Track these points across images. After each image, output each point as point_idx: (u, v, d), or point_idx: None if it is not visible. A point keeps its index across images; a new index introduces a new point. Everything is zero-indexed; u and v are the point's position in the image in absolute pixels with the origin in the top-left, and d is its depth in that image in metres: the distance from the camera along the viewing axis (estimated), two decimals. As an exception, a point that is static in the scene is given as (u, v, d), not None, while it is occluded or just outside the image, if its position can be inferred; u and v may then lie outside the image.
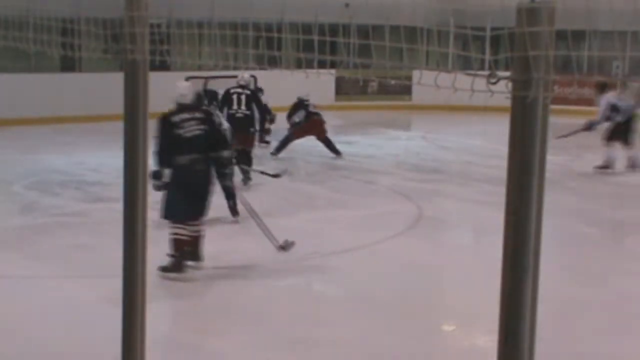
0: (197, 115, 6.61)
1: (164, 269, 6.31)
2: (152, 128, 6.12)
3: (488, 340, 3.22)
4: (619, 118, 11.55)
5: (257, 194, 10.14)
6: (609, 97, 11.57)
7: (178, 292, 6.28)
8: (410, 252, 7.48)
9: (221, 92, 11.63)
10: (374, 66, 2.28)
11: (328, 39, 2.49)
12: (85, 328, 5.33)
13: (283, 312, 5.85)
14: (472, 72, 1.86)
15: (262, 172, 10.48)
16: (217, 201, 7.76)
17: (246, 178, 10.29)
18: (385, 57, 2.13)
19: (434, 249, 7.77)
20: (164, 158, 6.34)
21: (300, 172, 12.39)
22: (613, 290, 6.48)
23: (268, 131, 13.77)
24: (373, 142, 15.22)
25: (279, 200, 9.72)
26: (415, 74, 2.19)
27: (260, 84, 14.03)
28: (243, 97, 10.85)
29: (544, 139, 1.81)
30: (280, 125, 13.37)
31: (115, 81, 3.64)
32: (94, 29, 3.03)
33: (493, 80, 1.78)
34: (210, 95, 11.76)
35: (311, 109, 12.96)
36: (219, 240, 7.33)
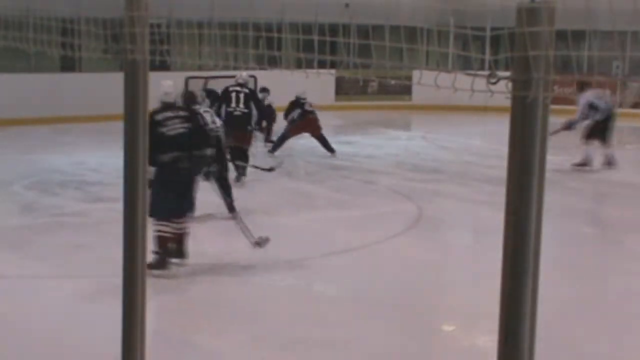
0: (181, 113, 6.70)
1: (148, 266, 6.32)
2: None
3: (488, 340, 3.22)
4: (598, 117, 11.73)
5: (257, 193, 10.15)
6: (588, 96, 11.73)
7: (177, 292, 6.28)
8: (410, 252, 7.48)
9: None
10: (374, 66, 2.28)
11: (328, 39, 2.49)
12: (85, 328, 5.33)
13: (282, 312, 5.85)
14: (472, 72, 1.86)
15: (256, 167, 10.56)
16: (214, 199, 7.78)
17: (240, 175, 10.34)
18: (385, 57, 2.13)
19: (434, 249, 7.78)
20: (149, 156, 6.36)
21: (300, 172, 12.39)
22: (613, 290, 6.49)
23: (270, 131, 13.88)
24: (373, 142, 15.22)
25: (278, 200, 9.73)
26: (415, 74, 2.19)
27: (263, 84, 14.07)
28: (242, 96, 10.90)
29: (544, 139, 1.81)
30: (281, 125, 13.44)
31: (115, 81, 3.64)
32: (94, 29, 3.03)
33: (493, 80, 1.78)
34: (213, 95, 11.76)
35: (307, 107, 13.15)
36: (218, 238, 7.34)
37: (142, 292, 2.82)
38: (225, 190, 8.62)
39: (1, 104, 15.65)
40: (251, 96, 11.11)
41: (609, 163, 11.87)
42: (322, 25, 2.47)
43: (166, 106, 6.64)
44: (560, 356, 4.83)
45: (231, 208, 8.58)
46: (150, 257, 6.32)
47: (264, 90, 13.90)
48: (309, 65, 2.35)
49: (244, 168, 10.61)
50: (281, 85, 13.22)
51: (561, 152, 12.18)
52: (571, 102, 16.90)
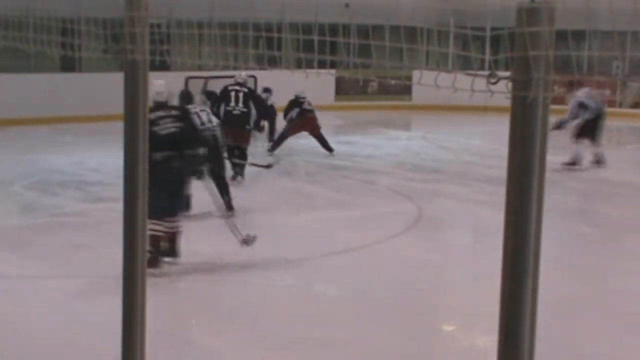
0: (173, 113, 6.74)
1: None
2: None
3: (488, 340, 3.22)
4: (587, 116, 11.83)
5: (257, 193, 10.16)
6: (578, 95, 11.78)
7: (177, 292, 6.28)
8: (410, 252, 7.48)
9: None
10: (374, 66, 2.28)
11: (328, 39, 2.49)
12: (85, 328, 5.33)
13: (282, 312, 5.85)
14: (472, 72, 1.86)
15: (253, 164, 10.61)
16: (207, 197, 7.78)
17: (236, 174, 10.39)
18: (385, 57, 2.13)
19: (434, 249, 7.78)
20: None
21: (300, 172, 12.40)
22: (613, 290, 6.48)
23: (273, 130, 13.97)
24: (373, 142, 15.22)
25: (278, 200, 9.73)
26: (415, 74, 2.19)
27: (265, 84, 14.11)
28: (241, 95, 10.93)
29: (544, 139, 1.81)
30: (282, 125, 13.48)
31: (115, 81, 3.64)
32: (94, 29, 3.03)
33: (493, 80, 1.78)
34: (213, 97, 11.78)
35: (305, 106, 13.22)
36: (216, 238, 7.33)
37: (142, 292, 2.82)
38: (223, 189, 8.68)
39: (1, 104, 15.66)
40: (250, 95, 11.14)
41: (598, 162, 12.00)
42: (322, 25, 2.47)
43: (158, 105, 6.66)
44: (560, 356, 4.83)
45: (229, 206, 8.63)
46: None
47: (267, 90, 13.97)
48: (309, 65, 2.35)
49: (242, 168, 10.65)
50: (281, 85, 13.30)
51: (561, 152, 12.18)
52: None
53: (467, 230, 8.96)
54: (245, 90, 11.10)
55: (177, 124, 6.62)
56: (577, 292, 6.30)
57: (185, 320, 5.85)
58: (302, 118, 13.13)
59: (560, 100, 13.45)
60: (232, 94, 10.94)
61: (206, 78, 14.71)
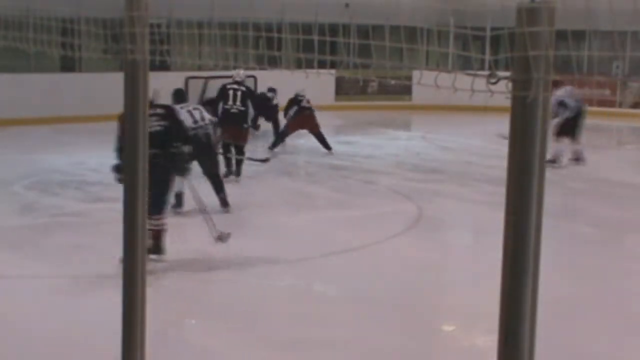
0: (159, 111, 6.78)
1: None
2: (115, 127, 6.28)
3: (488, 340, 3.22)
4: (568, 114, 11.99)
5: (257, 193, 10.16)
6: (558, 94, 11.89)
7: (175, 292, 6.28)
8: (410, 252, 7.48)
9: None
10: (374, 66, 2.28)
11: (328, 39, 2.50)
12: (85, 328, 5.33)
13: (282, 312, 5.85)
14: (472, 72, 1.86)
15: (250, 158, 10.67)
16: (208, 195, 7.78)
17: (229, 172, 10.45)
18: (385, 57, 2.13)
19: (434, 249, 7.77)
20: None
21: (300, 172, 12.40)
22: (613, 290, 6.48)
23: (278, 129, 14.05)
24: (373, 142, 15.22)
25: (278, 200, 9.74)
26: (415, 74, 2.19)
27: (269, 84, 14.13)
28: (239, 93, 11.03)
29: (544, 139, 1.81)
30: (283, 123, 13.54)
31: (115, 81, 3.64)
32: (94, 29, 3.03)
33: (493, 80, 1.78)
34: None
35: (304, 103, 13.35)
36: (212, 237, 7.31)
37: (142, 292, 2.82)
38: (218, 186, 8.75)
39: (1, 104, 15.65)
40: (248, 94, 11.23)
41: (578, 159, 12.19)
42: (322, 25, 2.47)
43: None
44: (560, 356, 4.83)
45: (224, 203, 8.71)
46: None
47: (272, 90, 14.03)
48: (309, 65, 2.35)
49: (240, 166, 10.73)
50: (281, 85, 13.34)
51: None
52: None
53: (467, 230, 8.96)
54: (243, 89, 11.18)
55: (162, 123, 6.66)
56: (577, 292, 6.30)
57: (185, 321, 5.85)
58: (300, 115, 13.27)
59: (589, 102, 13.57)
60: (230, 92, 11.04)
61: (206, 78, 14.72)
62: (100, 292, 5.90)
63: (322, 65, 2.58)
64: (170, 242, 6.87)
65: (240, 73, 11.20)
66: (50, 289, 6.20)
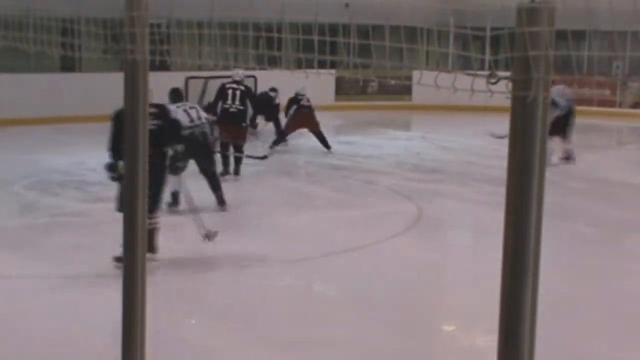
0: (151, 110, 6.77)
1: (117, 259, 6.43)
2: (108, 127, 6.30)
3: (488, 340, 3.22)
4: (558, 113, 12.00)
5: (257, 193, 10.16)
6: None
7: (174, 291, 6.28)
8: (410, 252, 7.48)
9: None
10: (374, 66, 2.28)
11: (328, 39, 2.50)
12: (85, 328, 5.33)
13: (282, 312, 5.85)
14: (472, 72, 1.86)
15: (249, 156, 10.71)
16: (204, 194, 7.79)
17: (225, 172, 10.50)
18: (385, 57, 2.13)
19: (434, 249, 7.77)
20: (118, 152, 6.49)
21: (300, 172, 12.40)
22: (613, 290, 6.48)
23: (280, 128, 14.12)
24: (373, 142, 15.22)
25: (278, 200, 9.74)
26: (415, 74, 2.19)
27: (272, 84, 14.15)
28: (238, 93, 11.10)
29: (544, 139, 1.81)
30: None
31: (115, 81, 3.64)
32: (94, 29, 3.03)
33: (493, 80, 1.78)
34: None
35: (303, 102, 13.43)
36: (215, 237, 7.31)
37: (142, 292, 2.82)
38: (214, 184, 8.80)
39: (1, 104, 15.65)
40: (247, 93, 11.29)
41: (568, 158, 12.24)
42: (322, 25, 2.47)
43: None
44: (560, 356, 4.83)
45: (221, 201, 8.75)
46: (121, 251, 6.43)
47: (273, 90, 14.07)
48: (309, 65, 2.35)
49: (239, 164, 10.78)
50: (282, 85, 13.36)
51: (561, 152, 12.20)
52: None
53: (467, 230, 8.96)
54: (242, 88, 11.25)
55: (155, 122, 6.68)
56: (577, 292, 6.30)
57: (185, 321, 5.84)
58: (299, 114, 13.36)
59: (589, 102, 13.55)
60: (229, 92, 11.12)
61: (206, 78, 14.72)
62: (100, 292, 5.90)
63: (322, 65, 2.58)
64: (170, 241, 6.87)
65: (239, 73, 11.24)
66: (50, 289, 6.20)
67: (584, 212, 9.32)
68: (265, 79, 14.48)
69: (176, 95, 8.99)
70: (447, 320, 5.98)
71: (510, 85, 1.78)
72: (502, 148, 1.97)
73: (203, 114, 8.93)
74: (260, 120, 13.46)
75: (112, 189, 6.73)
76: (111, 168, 6.52)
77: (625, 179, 11.36)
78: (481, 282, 5.22)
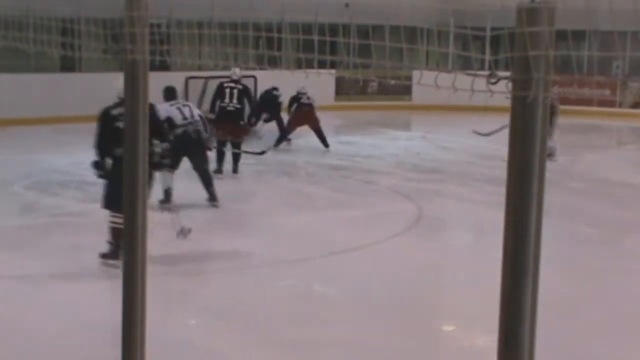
0: None
1: (103, 256, 6.58)
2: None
3: (488, 340, 3.22)
4: None
5: (257, 193, 10.16)
6: None
7: (174, 291, 6.28)
8: (410, 252, 7.48)
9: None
10: (374, 66, 2.28)
11: (328, 39, 2.50)
12: (85, 328, 5.33)
13: (282, 312, 5.85)
14: (472, 72, 1.86)
15: (247, 152, 10.74)
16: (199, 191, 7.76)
17: (219, 170, 10.55)
18: (385, 57, 2.13)
19: (434, 249, 7.77)
20: (104, 149, 6.56)
21: (300, 172, 12.40)
22: (613, 290, 6.48)
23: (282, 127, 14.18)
24: (373, 142, 15.22)
25: (278, 200, 9.73)
26: (415, 74, 2.19)
27: (268, 85, 14.17)
28: (235, 92, 11.22)
29: (544, 139, 1.81)
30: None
31: (115, 81, 3.65)
32: (94, 29, 3.03)
33: (493, 80, 1.78)
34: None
35: (304, 100, 13.53)
36: (212, 237, 7.32)
37: (143, 292, 2.82)
38: (207, 180, 8.85)
39: (1, 104, 15.64)
40: (244, 92, 11.35)
41: (549, 155, 12.19)
42: (322, 25, 2.47)
43: (122, 101, 6.72)
44: (560, 356, 4.83)
45: (213, 197, 8.81)
46: (105, 248, 6.58)
47: (276, 89, 14.11)
48: (309, 65, 2.35)
49: (237, 163, 10.83)
50: (282, 85, 13.37)
51: (561, 152, 12.20)
52: (571, 102, 16.89)
53: (467, 230, 8.96)
54: (240, 87, 11.34)
55: None
56: (577, 292, 6.30)
57: (185, 321, 5.84)
58: (299, 112, 13.47)
59: (589, 102, 13.53)
60: (227, 90, 11.23)
61: (206, 78, 14.72)
62: (100, 292, 5.90)
63: (322, 65, 2.58)
64: (169, 241, 6.87)
65: (236, 71, 11.29)
66: (50, 289, 6.19)
67: (584, 212, 9.31)
68: (265, 79, 14.48)
69: (170, 94, 9.03)
70: (447, 320, 5.97)
71: (510, 85, 1.78)
72: (502, 148, 1.97)
73: (196, 112, 8.99)
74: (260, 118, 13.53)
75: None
76: (98, 166, 6.60)
77: (625, 179, 11.36)
78: (481, 282, 5.22)
